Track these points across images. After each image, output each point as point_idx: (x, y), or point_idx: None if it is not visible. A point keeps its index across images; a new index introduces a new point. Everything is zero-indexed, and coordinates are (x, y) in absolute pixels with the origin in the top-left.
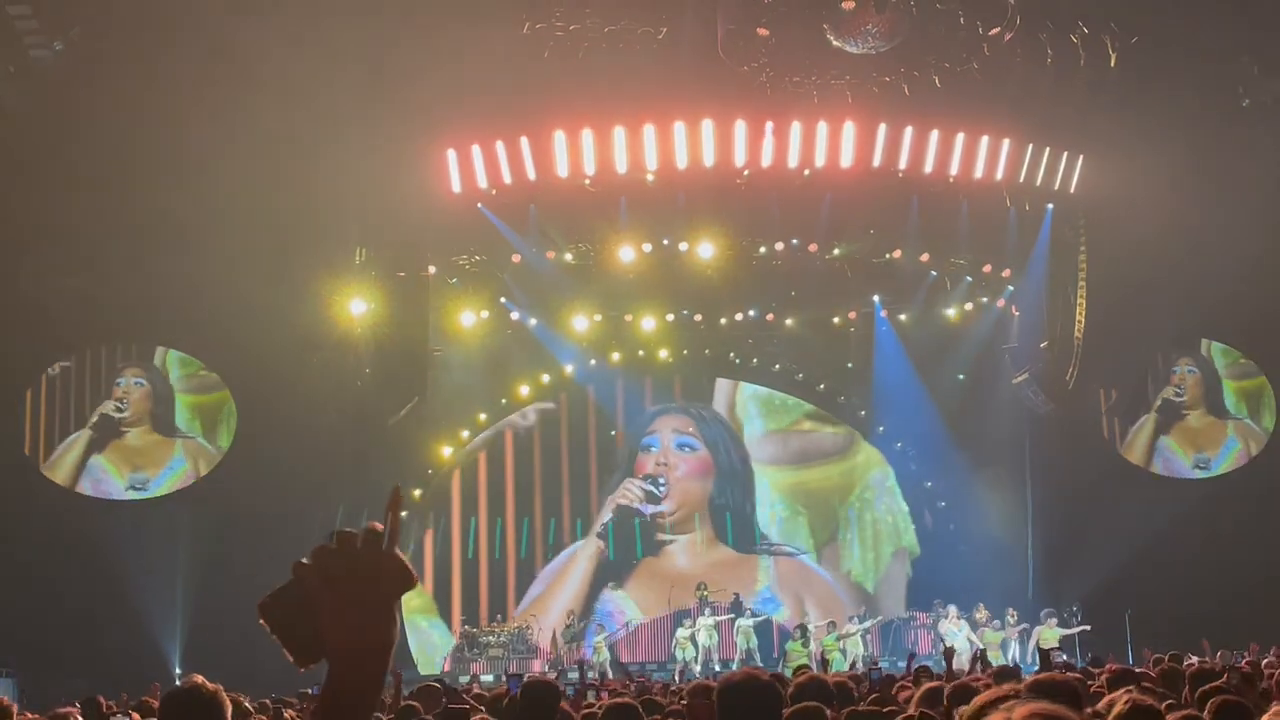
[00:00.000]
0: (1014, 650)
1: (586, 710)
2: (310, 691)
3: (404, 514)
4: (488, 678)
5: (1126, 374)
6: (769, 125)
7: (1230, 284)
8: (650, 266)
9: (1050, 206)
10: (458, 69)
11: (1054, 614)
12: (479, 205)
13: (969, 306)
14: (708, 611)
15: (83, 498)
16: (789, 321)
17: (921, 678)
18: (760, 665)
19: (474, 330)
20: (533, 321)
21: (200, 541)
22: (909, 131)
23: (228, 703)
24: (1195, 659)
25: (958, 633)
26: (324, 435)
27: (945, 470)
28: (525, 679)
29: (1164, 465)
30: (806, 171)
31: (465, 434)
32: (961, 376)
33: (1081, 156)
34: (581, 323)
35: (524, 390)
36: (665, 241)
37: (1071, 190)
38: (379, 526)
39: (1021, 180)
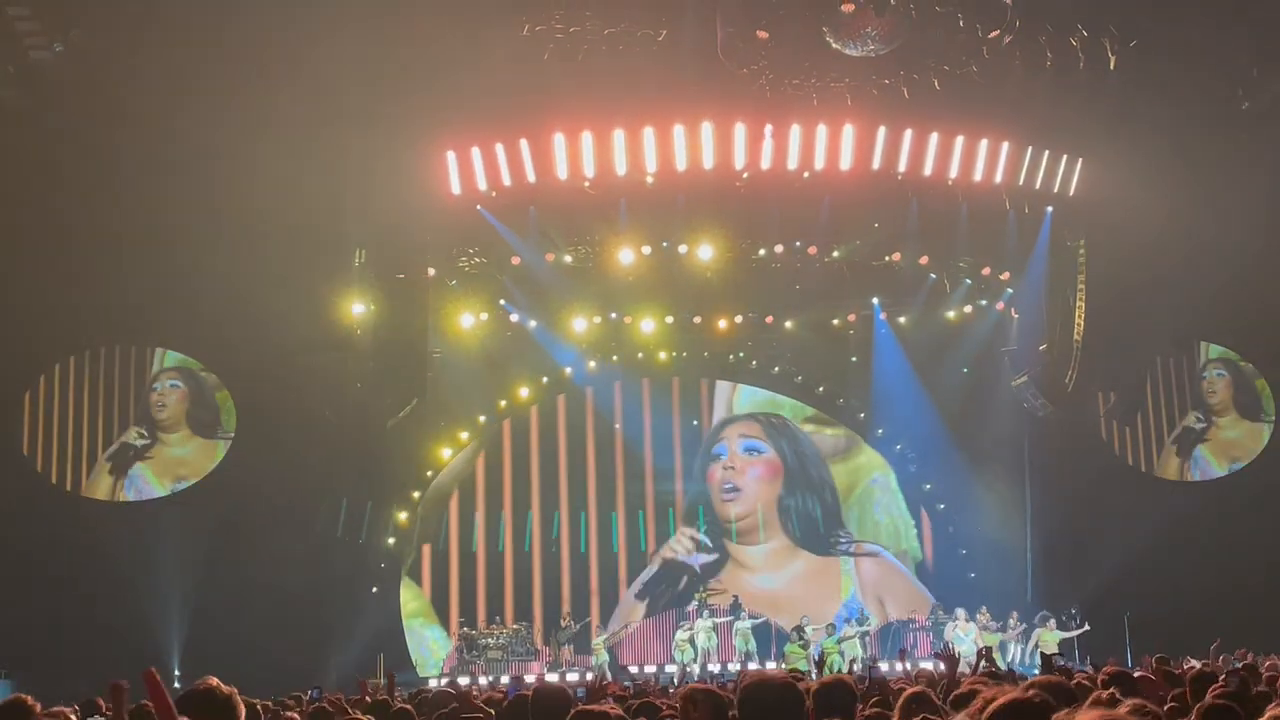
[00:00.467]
0: (1013, 652)
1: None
2: (310, 693)
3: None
4: (486, 680)
5: (1126, 376)
6: (768, 128)
7: (1229, 286)
8: (650, 268)
9: (1049, 209)
10: (457, 71)
11: (1051, 616)
12: (479, 207)
13: (968, 309)
14: (706, 614)
15: (83, 499)
16: (788, 323)
17: (921, 680)
18: (760, 667)
19: (473, 332)
20: (532, 323)
21: (200, 542)
22: (908, 134)
23: (241, 705)
24: (1195, 662)
25: (965, 637)
26: (324, 436)
27: (945, 472)
28: (535, 685)
29: (1200, 473)
30: (806, 174)
31: (464, 435)
32: (965, 370)
33: (1081, 159)
34: (581, 325)
35: (523, 392)
36: (665, 243)
37: (1071, 193)
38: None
39: (1021, 183)
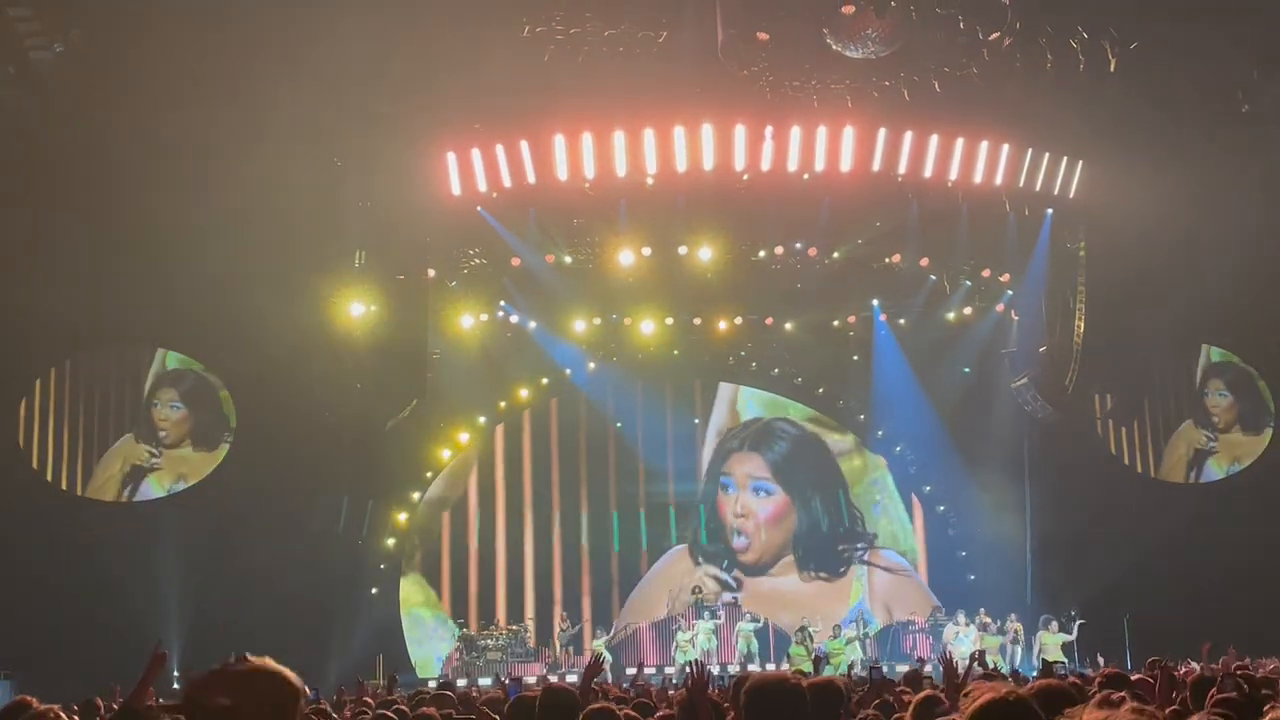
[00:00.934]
0: (1012, 655)
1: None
2: (309, 694)
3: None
4: (486, 681)
5: (1125, 379)
6: (769, 129)
7: (1229, 289)
8: (650, 270)
9: (1049, 211)
10: (458, 72)
11: (1053, 619)
12: (479, 208)
13: (968, 311)
14: (706, 615)
15: (83, 499)
16: (788, 325)
17: (923, 681)
18: (760, 669)
19: (473, 333)
20: (532, 324)
21: (199, 543)
22: (908, 136)
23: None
24: (1195, 665)
25: (965, 639)
26: (323, 437)
27: (944, 474)
28: (544, 686)
29: (1205, 478)
30: (806, 175)
31: (464, 437)
32: (965, 371)
33: (1081, 162)
34: (581, 326)
35: (523, 393)
36: (665, 245)
37: (1071, 195)
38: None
39: (1021, 185)
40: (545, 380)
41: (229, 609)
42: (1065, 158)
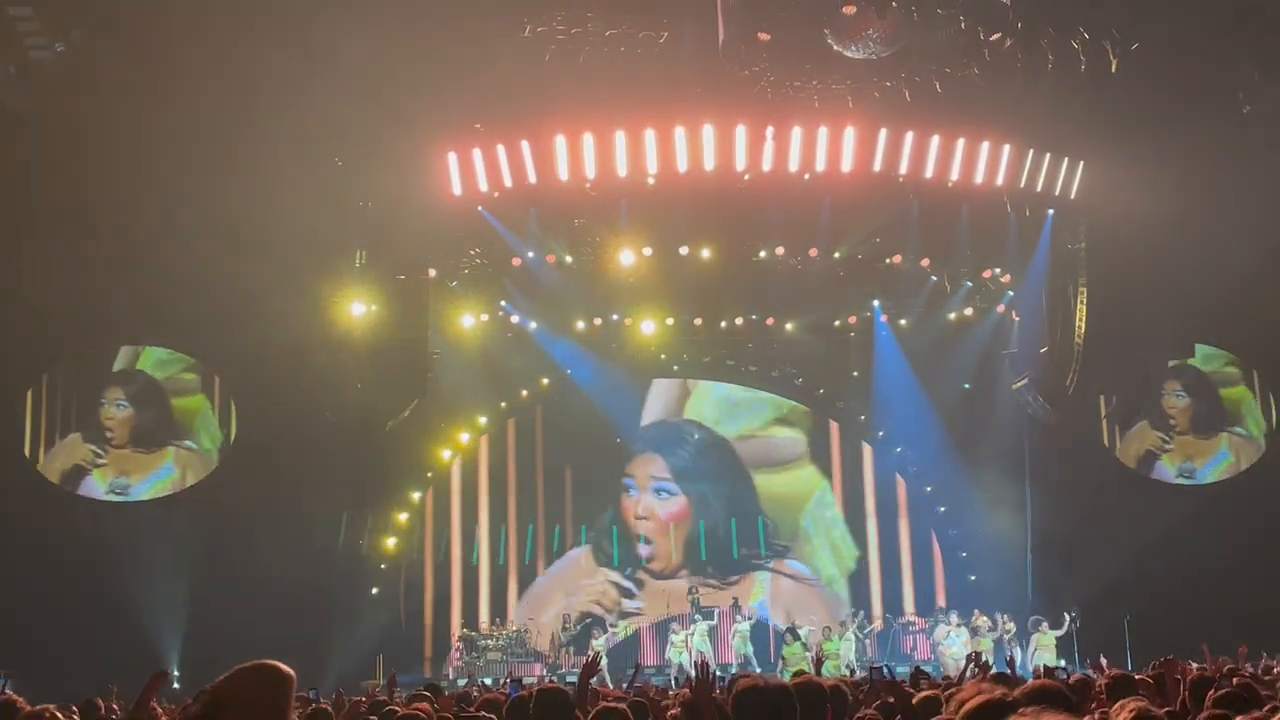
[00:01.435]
0: (1009, 656)
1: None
2: (310, 694)
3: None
4: (487, 681)
5: (1126, 379)
6: (770, 129)
7: (1231, 290)
8: (650, 270)
9: (1050, 212)
10: (459, 72)
11: (1044, 620)
12: (479, 208)
13: (969, 311)
14: (701, 616)
15: (83, 499)
16: (789, 326)
17: (920, 681)
18: (758, 669)
19: (474, 333)
20: (532, 324)
21: (200, 543)
22: (910, 136)
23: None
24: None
25: (956, 639)
26: (323, 437)
27: (944, 474)
28: (537, 686)
29: (1155, 473)
30: (807, 176)
31: (465, 437)
32: (966, 375)
33: (1082, 162)
34: (581, 326)
35: (523, 393)
36: (666, 245)
37: (1072, 196)
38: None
39: (1022, 186)
40: (546, 380)
41: (229, 608)
42: (1066, 158)
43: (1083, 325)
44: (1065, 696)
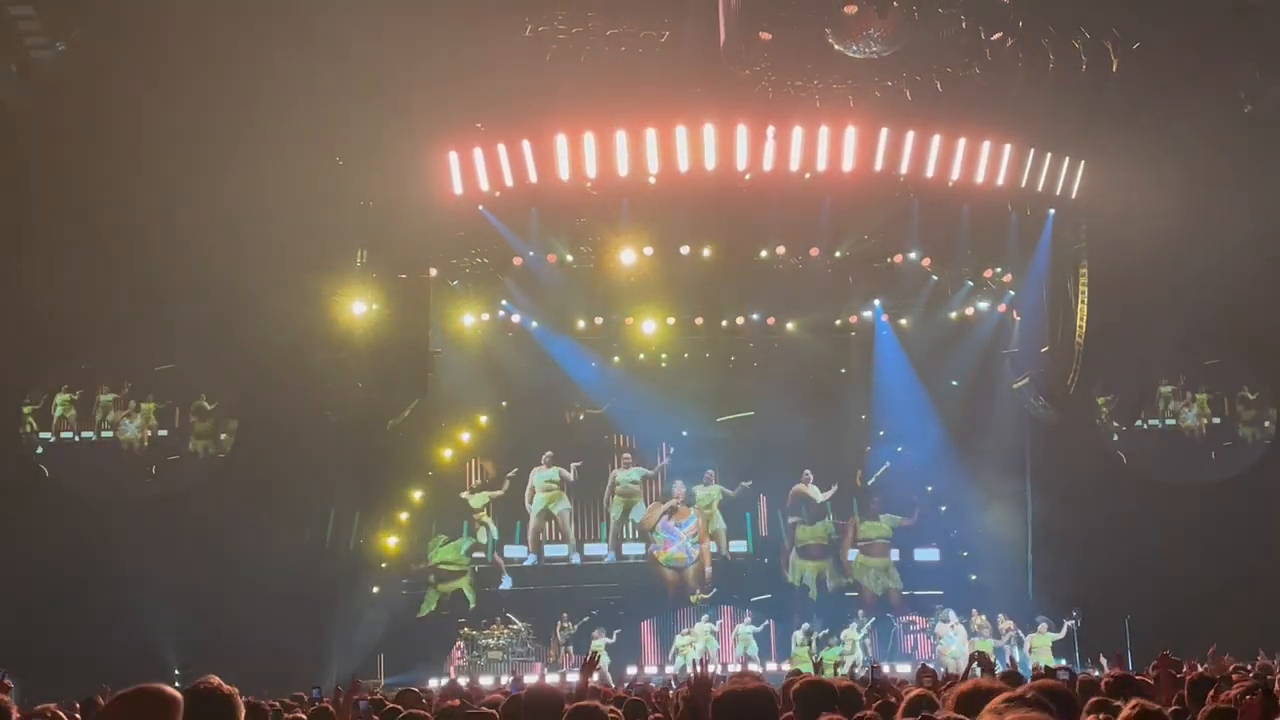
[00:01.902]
0: (1009, 656)
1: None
2: (311, 694)
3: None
4: (487, 680)
5: (1127, 379)
6: (771, 129)
7: (1231, 289)
8: (651, 269)
9: (1052, 212)
10: (460, 72)
11: (1042, 620)
12: (480, 208)
13: (970, 311)
14: (705, 617)
15: (84, 500)
16: (790, 325)
17: (924, 680)
18: (760, 670)
19: (475, 332)
20: (533, 324)
21: (200, 543)
22: (910, 136)
23: (242, 706)
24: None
25: (954, 637)
26: (324, 436)
27: (945, 473)
28: (529, 686)
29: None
30: (808, 175)
31: (465, 436)
32: (965, 374)
33: (1083, 162)
34: (582, 325)
35: (523, 393)
36: (667, 244)
37: (1073, 196)
38: None
39: (1023, 185)
40: (546, 380)
41: (229, 608)
42: (1067, 158)
43: (1083, 325)
44: (1069, 696)
